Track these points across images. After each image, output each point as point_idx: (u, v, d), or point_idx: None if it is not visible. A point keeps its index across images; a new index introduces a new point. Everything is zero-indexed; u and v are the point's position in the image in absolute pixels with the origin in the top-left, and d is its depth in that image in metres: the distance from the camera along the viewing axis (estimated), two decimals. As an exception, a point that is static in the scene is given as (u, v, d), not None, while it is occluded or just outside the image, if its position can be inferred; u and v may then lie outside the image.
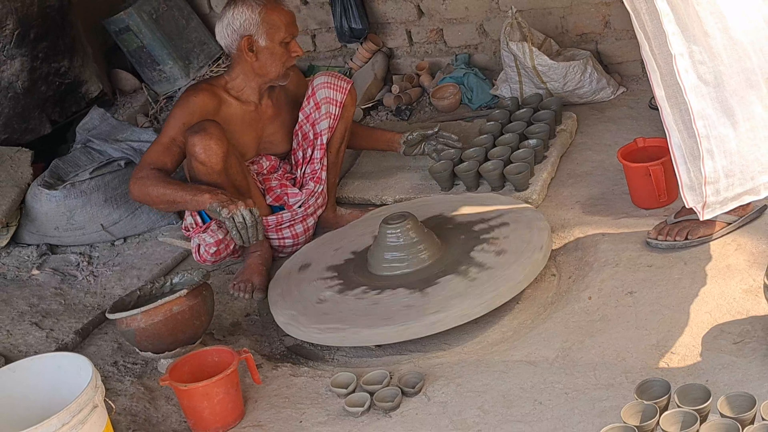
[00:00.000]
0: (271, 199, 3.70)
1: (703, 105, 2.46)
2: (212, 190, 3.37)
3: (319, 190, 3.76)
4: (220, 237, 3.61)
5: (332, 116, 3.74)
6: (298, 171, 3.80)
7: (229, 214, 3.29)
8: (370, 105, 4.76)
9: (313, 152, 3.78)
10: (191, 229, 3.66)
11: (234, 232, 3.33)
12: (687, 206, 2.59)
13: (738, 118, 2.46)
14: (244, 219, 3.30)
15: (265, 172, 3.75)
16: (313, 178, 3.77)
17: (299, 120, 3.81)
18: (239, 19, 3.52)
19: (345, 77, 3.81)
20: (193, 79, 5.11)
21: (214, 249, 3.62)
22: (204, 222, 3.63)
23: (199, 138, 3.39)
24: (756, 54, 2.44)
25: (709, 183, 2.52)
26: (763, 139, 2.50)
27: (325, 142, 3.76)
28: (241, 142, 3.66)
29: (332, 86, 3.73)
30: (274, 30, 3.53)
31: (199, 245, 3.66)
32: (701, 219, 2.60)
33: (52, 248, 4.20)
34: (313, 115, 3.77)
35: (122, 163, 4.23)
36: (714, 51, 2.42)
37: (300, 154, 3.81)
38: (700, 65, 2.43)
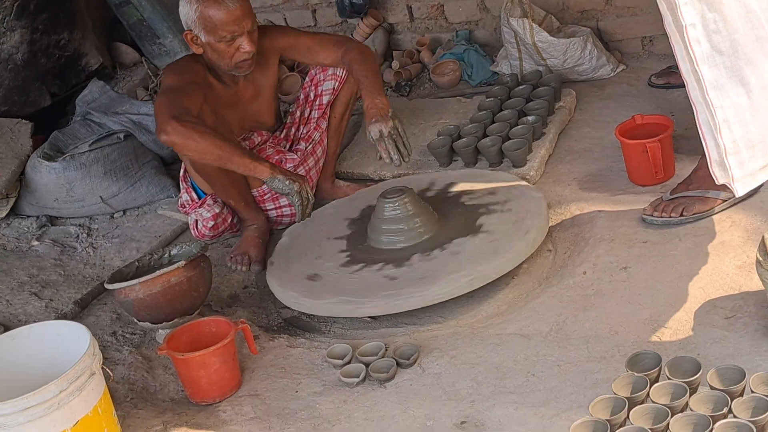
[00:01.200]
0: None
1: (716, 75, 2.42)
2: (270, 162, 3.30)
3: (309, 149, 3.75)
4: (217, 211, 3.62)
5: (338, 78, 3.71)
6: (293, 129, 3.79)
7: (299, 188, 3.25)
8: (370, 80, 4.76)
9: (311, 112, 3.77)
10: (187, 206, 3.68)
11: (298, 207, 3.27)
12: (718, 183, 2.52)
13: (752, 86, 2.43)
14: (308, 195, 3.27)
15: (258, 146, 3.75)
16: (305, 137, 3.77)
17: (304, 82, 3.80)
18: (182, 13, 3.44)
19: None
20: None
21: (212, 223, 3.64)
22: (200, 198, 3.64)
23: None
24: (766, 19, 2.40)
25: (730, 154, 2.47)
26: None
27: (325, 103, 3.74)
28: (225, 121, 3.58)
29: None
30: (211, 27, 3.37)
31: (196, 221, 3.67)
32: (737, 195, 2.55)
33: (52, 220, 4.23)
34: (318, 76, 3.74)
35: (121, 135, 4.25)
36: (728, 19, 2.39)
37: (298, 113, 3.80)
38: (715, 34, 2.39)
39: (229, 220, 3.68)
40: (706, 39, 2.40)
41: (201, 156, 3.29)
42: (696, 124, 2.53)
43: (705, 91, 2.42)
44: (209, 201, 3.62)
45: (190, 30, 3.44)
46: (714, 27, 2.39)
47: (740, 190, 2.51)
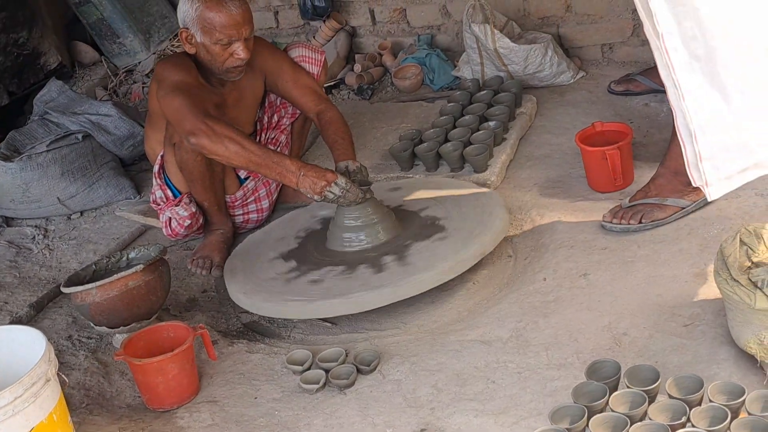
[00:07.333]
0: (245, 173, 3.69)
1: (693, 81, 2.42)
2: (298, 168, 3.15)
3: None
4: (193, 210, 3.60)
5: None
6: (263, 135, 3.77)
7: (321, 198, 3.16)
8: (332, 84, 4.76)
9: (280, 120, 3.76)
10: (162, 203, 3.64)
11: (341, 203, 3.20)
12: (694, 185, 2.54)
13: (730, 91, 2.43)
14: (334, 193, 3.16)
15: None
16: (272, 141, 3.75)
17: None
18: (181, 10, 3.38)
19: (318, 48, 3.75)
20: (154, 53, 5.07)
21: (188, 222, 3.61)
22: (175, 196, 3.60)
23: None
24: (748, 26, 2.41)
25: (705, 159, 2.46)
26: (759, 111, 2.46)
27: (297, 112, 3.72)
28: None
29: (308, 60, 3.66)
30: (209, 28, 3.30)
31: (170, 219, 3.64)
32: (709, 199, 2.56)
33: (8, 221, 4.17)
34: None
35: (80, 136, 4.20)
36: (705, 25, 2.39)
37: (265, 119, 3.78)
38: (692, 41, 2.39)
39: (200, 221, 3.66)
40: (683, 46, 2.40)
41: (228, 161, 3.22)
42: (674, 127, 2.53)
43: (681, 98, 2.43)
44: (186, 200, 3.58)
45: (187, 28, 3.37)
46: (691, 33, 2.39)
47: (714, 194, 2.52)
